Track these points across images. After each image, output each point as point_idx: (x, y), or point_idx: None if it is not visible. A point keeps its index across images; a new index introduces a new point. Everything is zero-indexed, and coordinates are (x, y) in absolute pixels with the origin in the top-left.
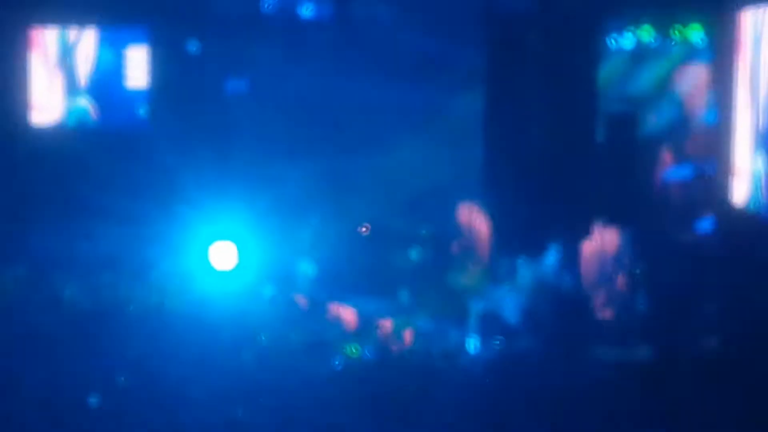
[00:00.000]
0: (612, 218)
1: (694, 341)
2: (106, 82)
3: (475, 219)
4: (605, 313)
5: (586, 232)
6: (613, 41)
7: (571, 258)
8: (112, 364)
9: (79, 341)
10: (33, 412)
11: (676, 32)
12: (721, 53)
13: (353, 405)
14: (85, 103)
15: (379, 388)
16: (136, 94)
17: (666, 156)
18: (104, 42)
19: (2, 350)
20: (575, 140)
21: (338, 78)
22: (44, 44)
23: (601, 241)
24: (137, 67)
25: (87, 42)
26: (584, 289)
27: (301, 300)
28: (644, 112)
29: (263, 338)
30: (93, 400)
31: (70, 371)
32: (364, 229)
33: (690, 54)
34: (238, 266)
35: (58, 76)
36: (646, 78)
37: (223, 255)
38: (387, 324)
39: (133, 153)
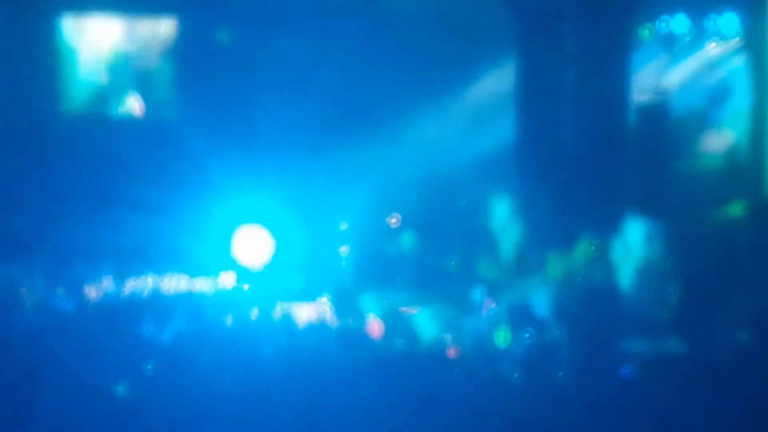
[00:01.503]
0: (643, 210)
1: (725, 335)
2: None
3: (503, 211)
4: (635, 307)
5: (616, 223)
6: (645, 31)
7: (601, 250)
8: (135, 356)
9: (100, 334)
10: (56, 403)
11: (711, 22)
12: (755, 42)
13: (381, 397)
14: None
15: (408, 381)
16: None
17: (698, 147)
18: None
19: (22, 343)
20: (606, 131)
21: (365, 67)
22: (81, 33)
23: (631, 233)
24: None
25: (114, 32)
26: (614, 282)
27: (330, 293)
28: (677, 102)
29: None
30: (116, 392)
31: (91, 363)
32: (394, 220)
33: (724, 43)
34: (269, 263)
35: (92, 65)
36: (678, 68)
37: (254, 251)
38: (416, 316)
39: (163, 143)
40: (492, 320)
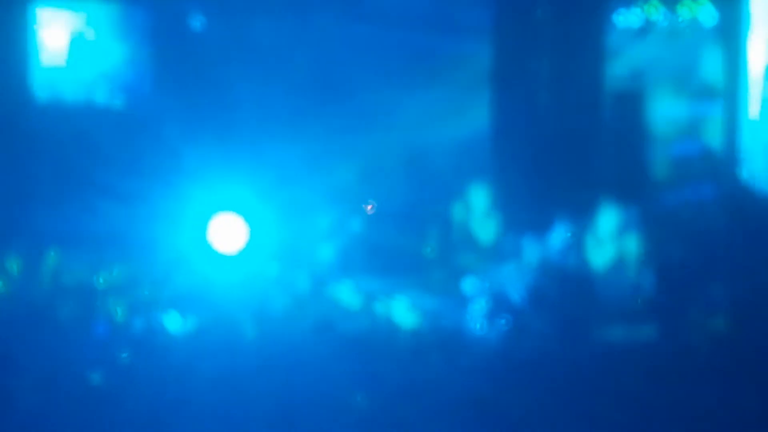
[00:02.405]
0: (618, 196)
1: (700, 322)
2: (111, 59)
3: (480, 197)
4: (611, 293)
5: (591, 210)
6: (620, 17)
7: (577, 236)
8: (111, 345)
9: (76, 322)
10: (33, 394)
11: (686, 8)
12: (731, 30)
13: (358, 385)
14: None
15: (384, 368)
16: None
17: (673, 134)
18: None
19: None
20: (582, 117)
21: (342, 55)
22: (55, 22)
23: (607, 220)
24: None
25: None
26: (590, 269)
27: (306, 280)
28: (652, 89)
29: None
30: (91, 381)
31: (70, 352)
32: (369, 207)
33: (699, 31)
34: (245, 248)
35: (66, 53)
36: (653, 55)
37: (229, 235)
38: (392, 304)
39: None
40: (468, 307)
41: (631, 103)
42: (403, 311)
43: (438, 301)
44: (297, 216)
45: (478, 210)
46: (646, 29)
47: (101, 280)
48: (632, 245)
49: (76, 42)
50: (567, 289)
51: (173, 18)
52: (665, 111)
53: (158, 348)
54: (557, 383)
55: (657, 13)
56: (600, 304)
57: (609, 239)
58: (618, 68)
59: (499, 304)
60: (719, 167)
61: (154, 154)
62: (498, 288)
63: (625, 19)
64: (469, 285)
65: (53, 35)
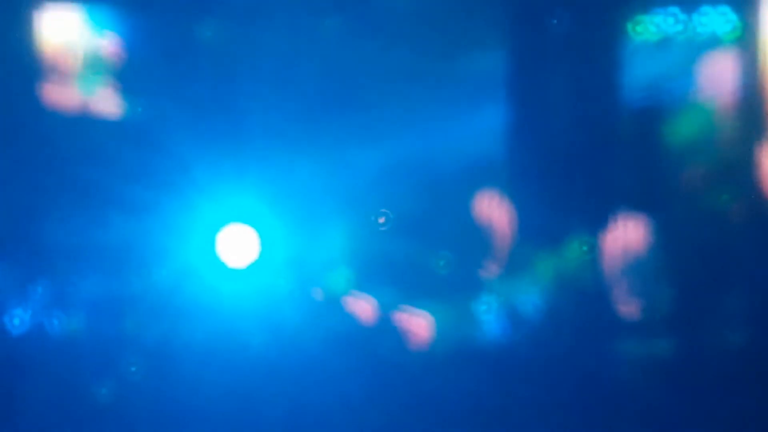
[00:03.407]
0: (635, 209)
1: (718, 336)
2: (118, 67)
3: (494, 209)
4: (627, 307)
5: (608, 223)
6: (636, 27)
7: (593, 250)
8: (119, 358)
9: (83, 336)
10: (40, 408)
11: (704, 17)
12: (752, 39)
13: (371, 401)
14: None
15: (397, 381)
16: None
17: (690, 145)
18: (111, 24)
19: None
20: (597, 130)
21: (351, 64)
22: (60, 27)
23: (624, 233)
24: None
25: (97, 26)
26: (606, 282)
27: (319, 293)
28: (669, 100)
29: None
30: (98, 395)
31: (77, 365)
32: (381, 219)
33: (718, 40)
34: (256, 262)
35: (70, 60)
36: (670, 66)
37: (239, 249)
38: (404, 316)
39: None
40: (482, 319)
41: (648, 113)
42: (417, 324)
43: (451, 314)
44: (309, 228)
45: (492, 221)
46: (665, 40)
47: (106, 292)
48: (648, 256)
49: (83, 49)
50: (581, 301)
51: (184, 26)
52: (682, 122)
53: (166, 363)
54: (571, 396)
55: (676, 25)
56: (615, 317)
57: (624, 251)
58: (635, 79)
59: (513, 316)
60: (737, 180)
61: (162, 164)
62: (511, 300)
63: (643, 29)
64: (482, 297)
65: (59, 42)
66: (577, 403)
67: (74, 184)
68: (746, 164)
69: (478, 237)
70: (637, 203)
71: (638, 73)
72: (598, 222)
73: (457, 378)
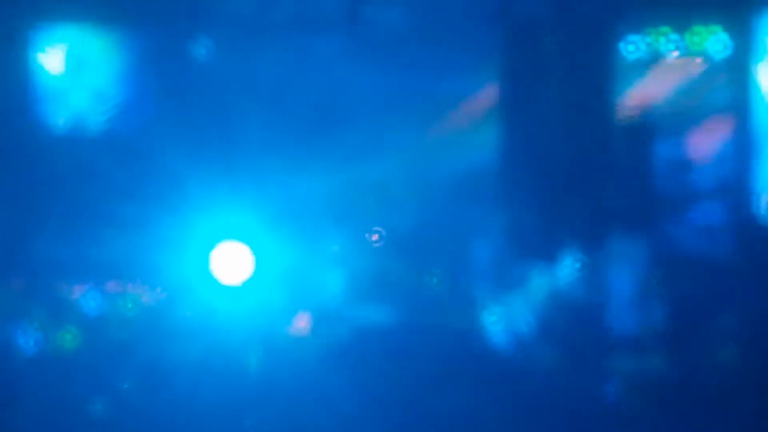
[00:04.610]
0: (627, 227)
1: (711, 353)
2: (109, 83)
3: (486, 225)
4: (620, 323)
5: (600, 240)
6: (629, 46)
7: (585, 266)
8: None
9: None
10: (34, 423)
11: (696, 37)
12: (743, 59)
13: (364, 411)
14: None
15: (395, 397)
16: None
17: (684, 163)
18: (108, 43)
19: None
20: (590, 147)
21: (347, 82)
22: (53, 44)
23: (616, 250)
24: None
25: (93, 42)
26: (599, 299)
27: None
28: (662, 118)
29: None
30: (93, 411)
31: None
32: (375, 236)
33: (710, 60)
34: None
35: (65, 77)
36: (663, 84)
37: (233, 266)
38: (397, 332)
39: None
40: (478, 335)
41: (641, 133)
42: (413, 341)
43: (447, 330)
44: (304, 245)
45: (488, 239)
46: (656, 59)
47: (101, 309)
48: (642, 275)
49: (77, 67)
50: (576, 319)
51: (179, 45)
52: (675, 142)
53: (161, 379)
54: (565, 410)
55: (668, 44)
56: (609, 335)
57: (617, 269)
58: (628, 98)
59: (508, 334)
60: (732, 199)
61: (156, 182)
62: (507, 318)
63: (635, 48)
64: (478, 314)
65: (54, 60)
66: (570, 416)
67: (69, 202)
68: (739, 181)
69: (470, 254)
70: (629, 221)
71: (631, 92)
72: (591, 239)
73: (452, 392)
